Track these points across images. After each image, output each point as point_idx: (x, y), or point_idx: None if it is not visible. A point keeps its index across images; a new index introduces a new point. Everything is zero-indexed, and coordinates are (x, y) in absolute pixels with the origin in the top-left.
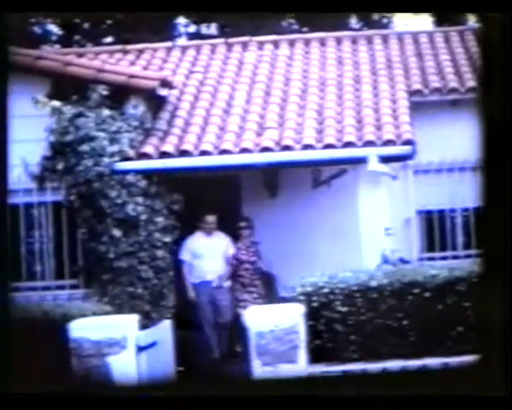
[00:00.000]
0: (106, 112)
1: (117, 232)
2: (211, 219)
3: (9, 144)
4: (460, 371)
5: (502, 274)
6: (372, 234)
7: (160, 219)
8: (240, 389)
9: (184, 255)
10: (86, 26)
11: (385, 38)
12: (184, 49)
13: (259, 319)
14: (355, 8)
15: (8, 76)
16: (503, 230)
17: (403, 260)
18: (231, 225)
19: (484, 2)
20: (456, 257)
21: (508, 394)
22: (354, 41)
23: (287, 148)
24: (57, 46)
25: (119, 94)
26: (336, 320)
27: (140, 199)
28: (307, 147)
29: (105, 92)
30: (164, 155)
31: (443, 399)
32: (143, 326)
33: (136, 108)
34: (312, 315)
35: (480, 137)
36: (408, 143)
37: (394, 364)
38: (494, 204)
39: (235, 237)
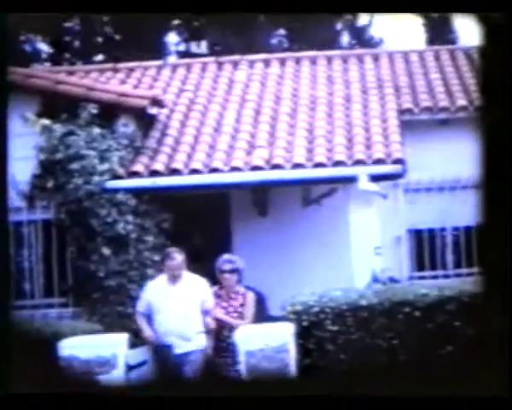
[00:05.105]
0: (96, 130)
1: (107, 251)
2: (174, 261)
3: (8, 163)
4: (460, 371)
5: (502, 289)
6: (362, 253)
7: (149, 238)
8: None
9: (140, 305)
10: (76, 43)
11: (376, 57)
12: (175, 67)
13: (249, 337)
14: (352, 8)
15: (8, 94)
16: (504, 247)
17: (393, 279)
18: (219, 247)
19: (484, 2)
20: (446, 276)
21: (508, 394)
22: (345, 60)
23: (277, 166)
24: (47, 64)
25: (110, 112)
26: (326, 339)
27: (130, 217)
28: (297, 166)
29: (95, 111)
30: (154, 173)
31: (443, 399)
32: (133, 345)
33: (127, 126)
34: (302, 334)
35: (480, 152)
36: (398, 161)
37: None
38: (494, 221)
39: (215, 282)
